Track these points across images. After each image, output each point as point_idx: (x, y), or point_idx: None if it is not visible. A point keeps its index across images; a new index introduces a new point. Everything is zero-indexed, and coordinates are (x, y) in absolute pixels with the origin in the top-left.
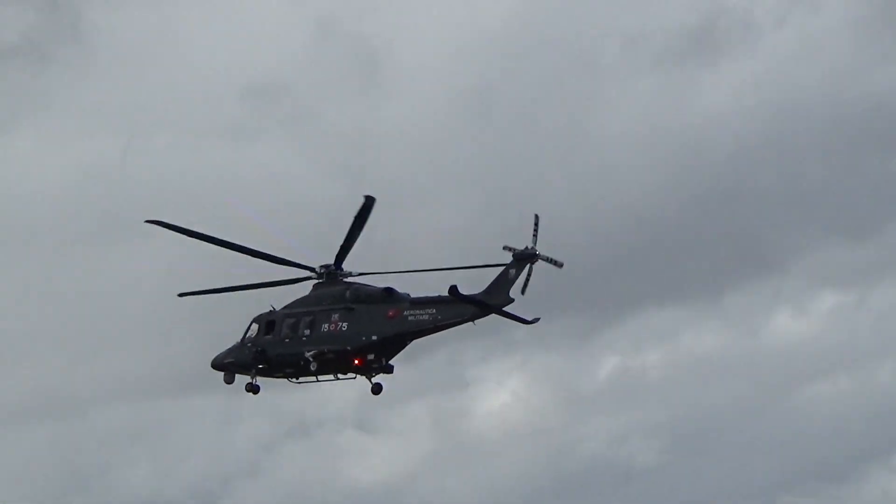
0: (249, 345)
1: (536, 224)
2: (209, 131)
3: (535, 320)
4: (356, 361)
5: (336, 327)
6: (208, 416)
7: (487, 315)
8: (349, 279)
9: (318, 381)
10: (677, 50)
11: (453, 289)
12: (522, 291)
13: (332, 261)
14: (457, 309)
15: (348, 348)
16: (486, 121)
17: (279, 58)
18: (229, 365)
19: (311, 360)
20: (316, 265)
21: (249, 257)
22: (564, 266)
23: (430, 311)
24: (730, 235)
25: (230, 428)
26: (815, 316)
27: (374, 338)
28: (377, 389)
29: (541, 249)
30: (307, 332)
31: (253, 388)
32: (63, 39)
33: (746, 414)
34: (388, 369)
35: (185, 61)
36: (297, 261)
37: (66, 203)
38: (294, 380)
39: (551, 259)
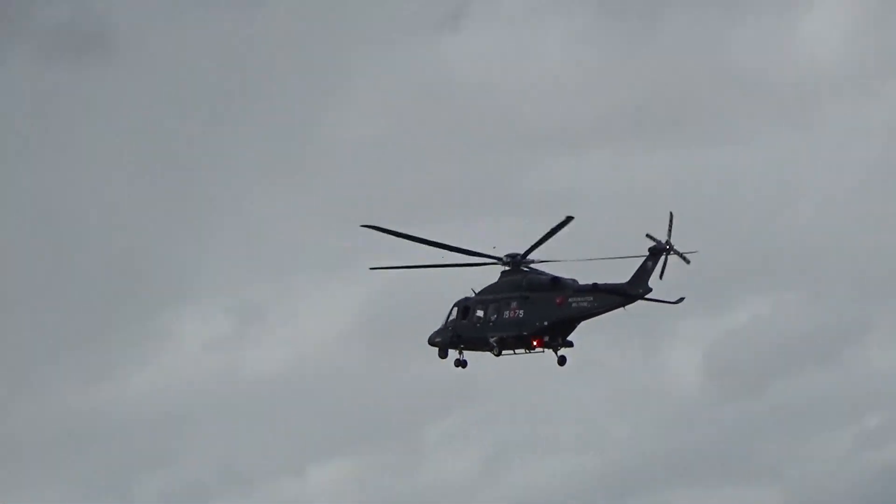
0: (449, 328)
1: (671, 221)
2: None
3: (681, 300)
4: (535, 343)
5: (515, 314)
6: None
7: (634, 302)
8: (530, 266)
9: (514, 353)
10: None
11: (596, 285)
12: (660, 277)
13: (517, 250)
14: (610, 298)
15: (525, 333)
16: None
17: None
18: (438, 343)
19: (494, 344)
20: (503, 254)
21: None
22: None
23: (588, 298)
24: None
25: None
26: None
27: (546, 323)
28: (562, 361)
29: (674, 244)
30: (493, 317)
31: (461, 363)
32: None
33: None
34: (569, 344)
35: None
36: (487, 253)
37: None
38: (495, 353)
39: (681, 254)
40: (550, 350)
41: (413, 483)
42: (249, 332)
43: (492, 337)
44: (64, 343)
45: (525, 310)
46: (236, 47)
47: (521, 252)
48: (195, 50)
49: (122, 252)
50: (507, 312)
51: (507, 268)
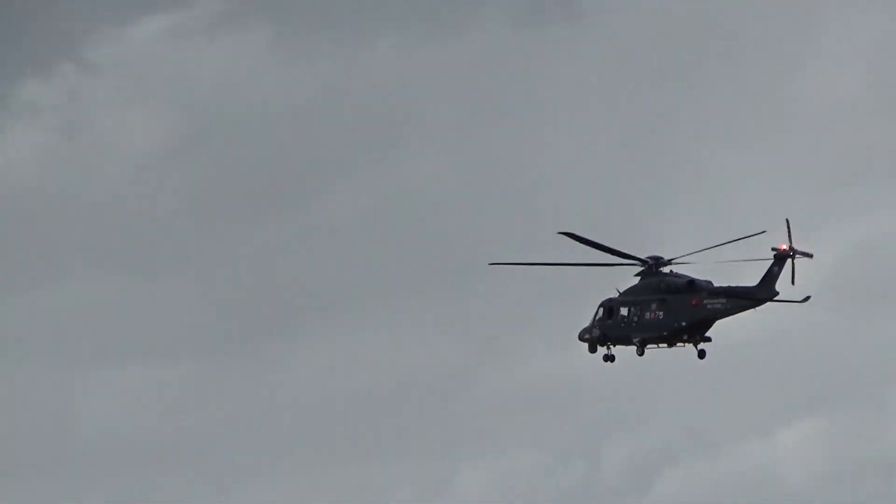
0: (596, 327)
1: (788, 227)
2: None
3: (807, 299)
4: (671, 345)
5: (654, 316)
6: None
7: (763, 304)
8: (668, 268)
9: (658, 347)
10: None
11: (729, 288)
12: (792, 282)
13: (658, 252)
14: (741, 300)
15: (664, 333)
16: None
17: None
18: (588, 339)
19: (637, 343)
20: (645, 255)
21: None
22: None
23: (721, 300)
24: None
25: None
26: None
27: (684, 323)
28: (702, 355)
29: (796, 246)
30: (635, 319)
31: (609, 358)
32: None
33: None
34: (707, 339)
35: None
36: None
37: None
38: (638, 352)
39: (804, 253)
40: (691, 344)
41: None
42: None
43: (634, 337)
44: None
45: (664, 311)
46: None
47: (665, 256)
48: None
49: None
50: (647, 314)
51: (644, 269)
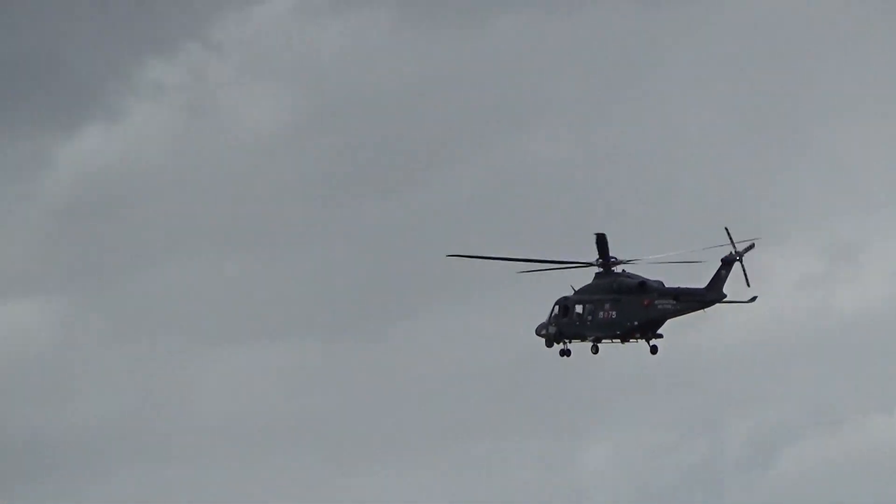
0: (552, 324)
1: (729, 234)
2: None
3: (753, 299)
4: (624, 341)
5: (608, 315)
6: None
7: (712, 305)
8: (619, 267)
9: (612, 341)
10: None
11: (679, 290)
12: (748, 284)
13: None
14: (691, 302)
15: (617, 332)
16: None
17: None
18: (544, 335)
19: (592, 342)
20: (594, 258)
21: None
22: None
23: (671, 301)
24: None
25: None
26: None
27: (636, 323)
28: (654, 350)
29: (739, 248)
30: (589, 318)
31: (565, 353)
32: None
33: None
34: (659, 336)
35: None
36: (580, 260)
37: None
38: (593, 351)
39: (746, 248)
40: (643, 340)
41: None
42: (841, 269)
43: (589, 335)
44: None
45: (617, 311)
46: None
47: (620, 258)
48: None
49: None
50: (601, 313)
51: (599, 269)
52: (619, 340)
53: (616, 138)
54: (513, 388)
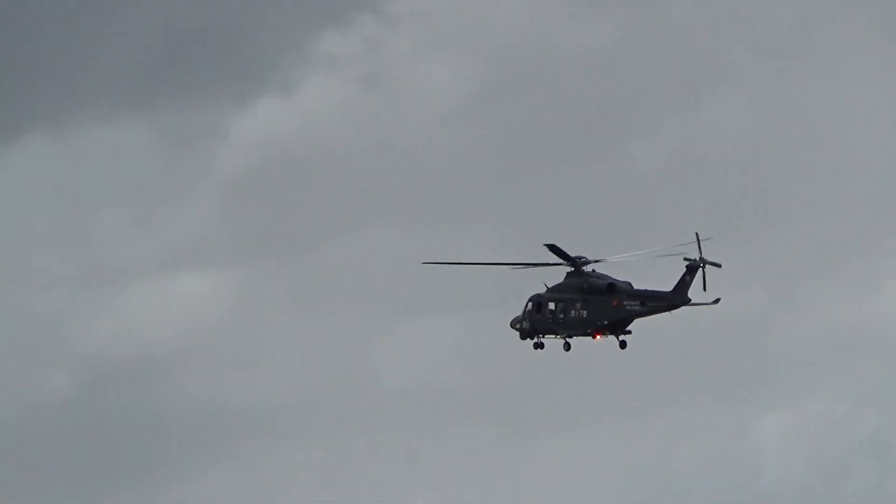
0: (526, 319)
1: (698, 241)
2: None
3: (717, 301)
4: (597, 336)
5: (579, 314)
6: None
7: (677, 308)
8: (589, 267)
9: (584, 335)
10: None
11: (646, 292)
12: (704, 289)
13: (581, 253)
14: (657, 304)
15: (588, 330)
16: None
17: None
18: (518, 329)
19: (564, 338)
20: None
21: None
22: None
23: (638, 303)
24: None
25: None
26: None
27: (606, 322)
28: (623, 345)
29: (706, 256)
30: (561, 316)
31: (539, 346)
32: None
33: None
34: (628, 332)
35: None
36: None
37: None
38: (565, 348)
39: (712, 263)
40: (613, 336)
41: None
42: None
43: (561, 332)
44: None
45: (587, 310)
46: None
47: (588, 256)
48: None
49: None
50: (573, 312)
51: (571, 269)
52: (590, 337)
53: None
54: None
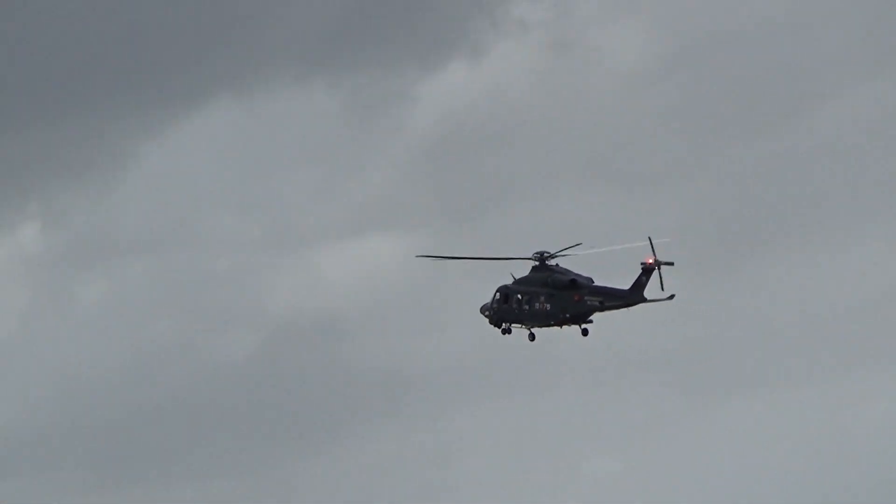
0: (495, 307)
1: (651, 243)
2: None
3: (672, 297)
4: (560, 327)
5: (543, 306)
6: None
7: (634, 305)
8: (552, 261)
9: (549, 326)
10: None
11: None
12: (662, 288)
13: (545, 248)
14: (615, 300)
15: (552, 322)
16: None
17: None
18: (487, 316)
19: (529, 329)
20: (531, 252)
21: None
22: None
23: (599, 298)
24: None
25: None
26: None
27: (568, 315)
28: (585, 333)
29: (659, 257)
30: (526, 307)
31: (506, 331)
32: None
33: None
34: (590, 322)
35: None
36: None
37: None
38: (530, 338)
39: (666, 262)
40: (576, 326)
41: None
42: None
43: (527, 323)
44: None
45: (551, 304)
46: None
47: (550, 251)
48: None
49: None
50: (537, 304)
51: (536, 263)
52: (554, 327)
53: None
54: None
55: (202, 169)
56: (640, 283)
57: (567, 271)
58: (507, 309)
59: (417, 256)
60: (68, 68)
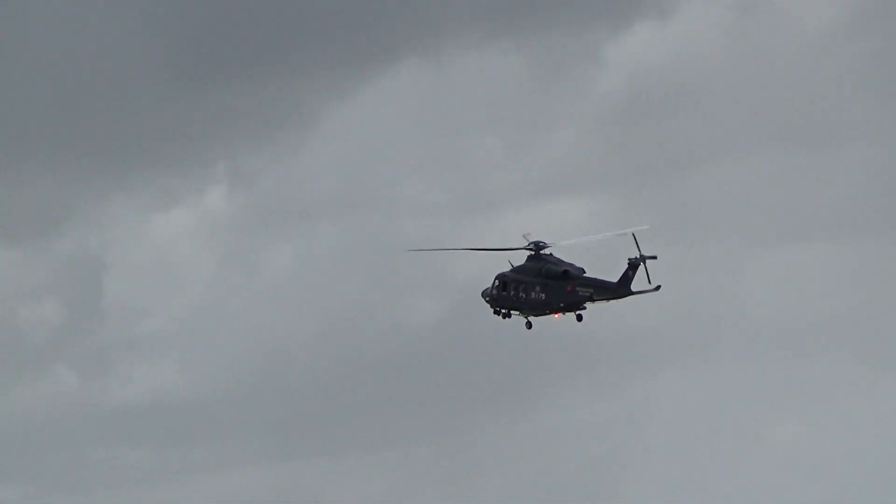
0: (494, 294)
1: (636, 240)
2: None
3: (658, 287)
4: (556, 315)
5: (538, 295)
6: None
7: (622, 298)
8: (547, 251)
9: (545, 314)
10: None
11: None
12: (649, 282)
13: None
14: (604, 292)
15: (546, 311)
16: None
17: None
18: (488, 302)
19: (525, 317)
20: (528, 241)
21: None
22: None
23: (590, 290)
24: None
25: None
26: None
27: (561, 304)
28: (579, 318)
29: (644, 252)
30: (522, 295)
31: (506, 316)
32: None
33: None
34: (583, 309)
35: None
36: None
37: None
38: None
39: (650, 256)
40: (571, 313)
41: None
42: None
43: (523, 311)
44: None
45: (545, 293)
46: None
47: (546, 241)
48: None
49: None
50: (533, 293)
51: (532, 252)
52: (549, 314)
53: None
54: None
55: (389, 131)
56: (626, 278)
57: (560, 261)
58: (505, 297)
59: (407, 251)
60: (256, 30)
